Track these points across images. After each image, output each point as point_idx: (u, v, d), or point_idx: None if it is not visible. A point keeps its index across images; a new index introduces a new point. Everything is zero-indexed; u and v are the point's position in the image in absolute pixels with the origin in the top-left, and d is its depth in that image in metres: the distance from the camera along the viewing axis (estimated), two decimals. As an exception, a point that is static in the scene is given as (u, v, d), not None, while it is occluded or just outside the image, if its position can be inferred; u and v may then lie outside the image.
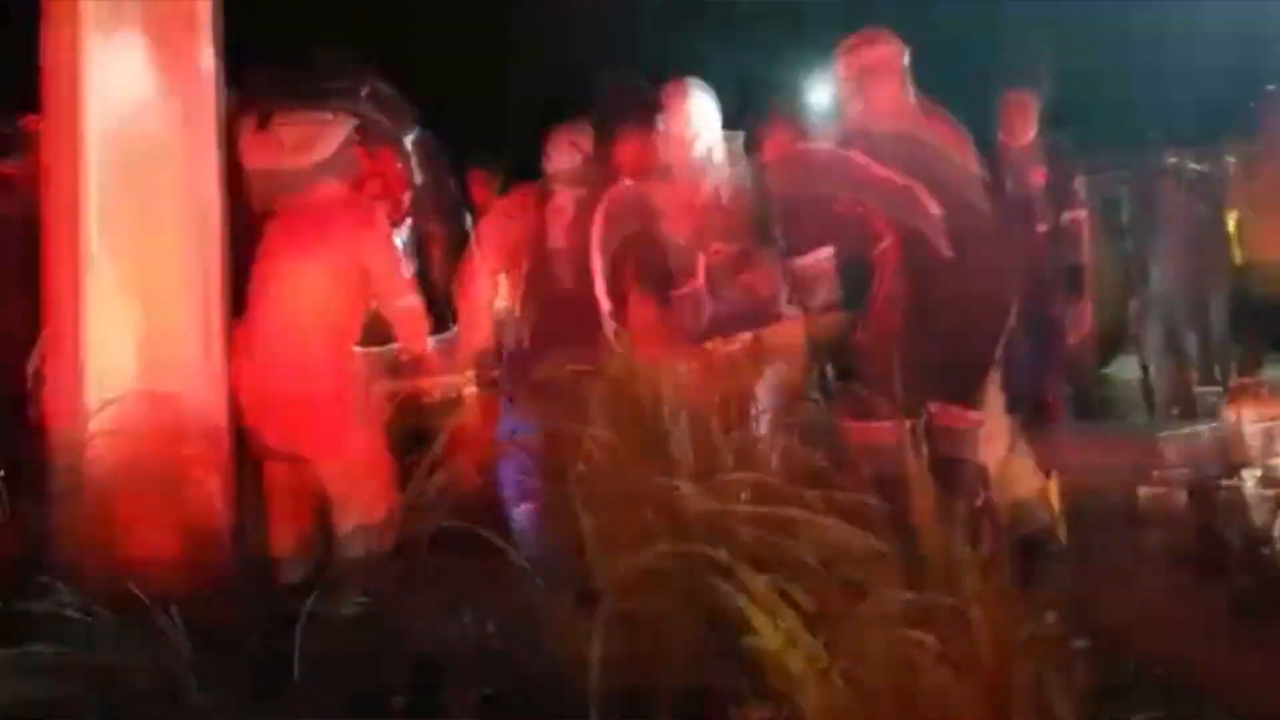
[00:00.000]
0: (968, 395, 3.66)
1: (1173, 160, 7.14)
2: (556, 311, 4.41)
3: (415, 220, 5.01)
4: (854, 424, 3.45)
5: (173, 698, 3.02)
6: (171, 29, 4.37)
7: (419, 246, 5.33)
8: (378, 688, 2.93)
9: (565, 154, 5.01)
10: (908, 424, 3.22)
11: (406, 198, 4.78)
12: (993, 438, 4.33)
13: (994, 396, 4.39)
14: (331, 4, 8.70)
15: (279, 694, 2.96)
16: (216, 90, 4.45)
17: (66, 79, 4.13)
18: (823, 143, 4.07)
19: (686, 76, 5.06)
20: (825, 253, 3.93)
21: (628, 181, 4.53)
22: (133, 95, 4.29)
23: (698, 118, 4.96)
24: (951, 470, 2.89)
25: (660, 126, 4.90)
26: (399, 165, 4.75)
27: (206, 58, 4.42)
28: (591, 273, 4.40)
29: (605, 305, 4.28)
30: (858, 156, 3.90)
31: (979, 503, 3.41)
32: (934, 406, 3.43)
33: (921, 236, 3.81)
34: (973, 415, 3.77)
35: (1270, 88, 6.76)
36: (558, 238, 4.53)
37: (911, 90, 4.44)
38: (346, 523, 4.03)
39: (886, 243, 3.87)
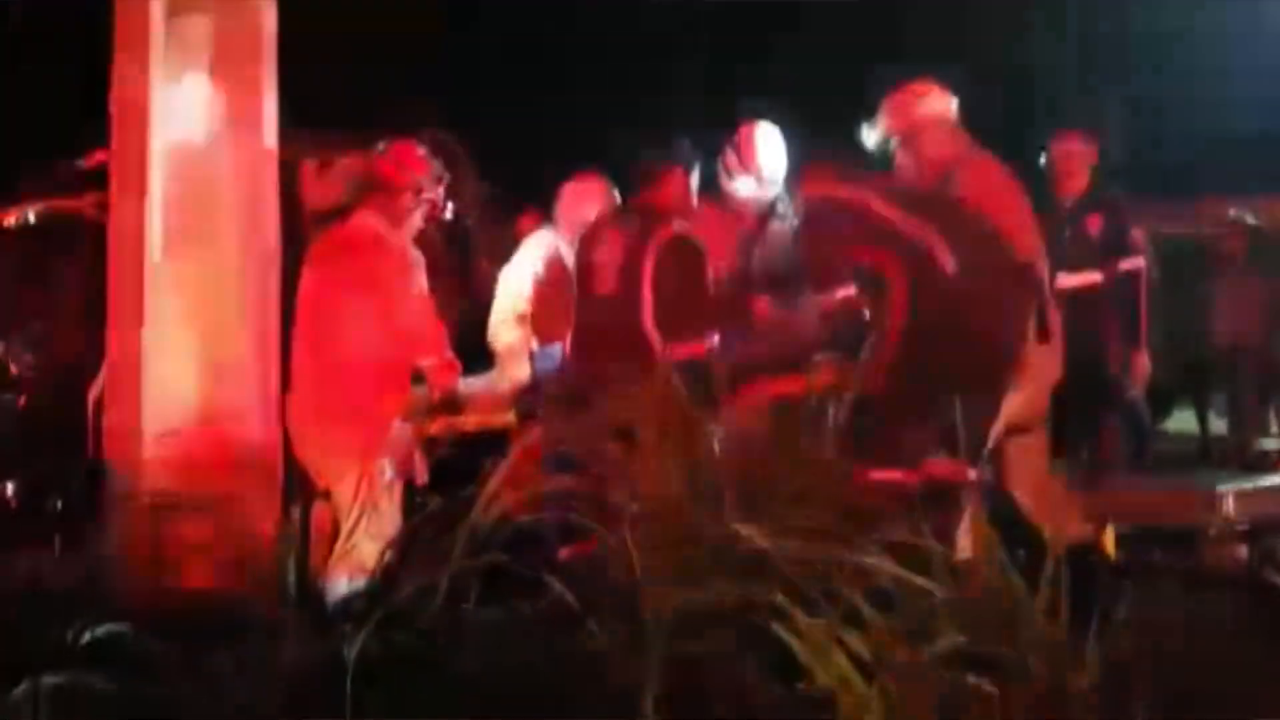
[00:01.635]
0: (966, 449, 3.56)
1: (1234, 212, 7.07)
2: (607, 353, 4.41)
3: (468, 261, 5.06)
4: (866, 471, 3.45)
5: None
6: (236, 72, 4.46)
7: (470, 285, 5.40)
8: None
9: (581, 206, 5.09)
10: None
11: (440, 194, 4.73)
12: (1044, 488, 4.30)
13: (1038, 446, 4.36)
14: (392, 54, 8.85)
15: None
16: (279, 132, 4.54)
17: (135, 118, 4.23)
18: (852, 187, 4.13)
19: (748, 117, 5.10)
20: (847, 291, 4.01)
21: (676, 222, 4.55)
22: (197, 135, 4.39)
23: (770, 156, 5.01)
24: (943, 522, 2.84)
25: (724, 165, 4.96)
26: (430, 169, 4.71)
27: (270, 101, 4.51)
28: (643, 314, 4.40)
29: (659, 346, 4.28)
30: (879, 204, 3.97)
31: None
32: (930, 459, 3.36)
33: (929, 289, 3.86)
34: (970, 471, 3.67)
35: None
36: (608, 282, 4.52)
37: (961, 138, 4.45)
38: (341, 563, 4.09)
39: (896, 289, 3.92)
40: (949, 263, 3.85)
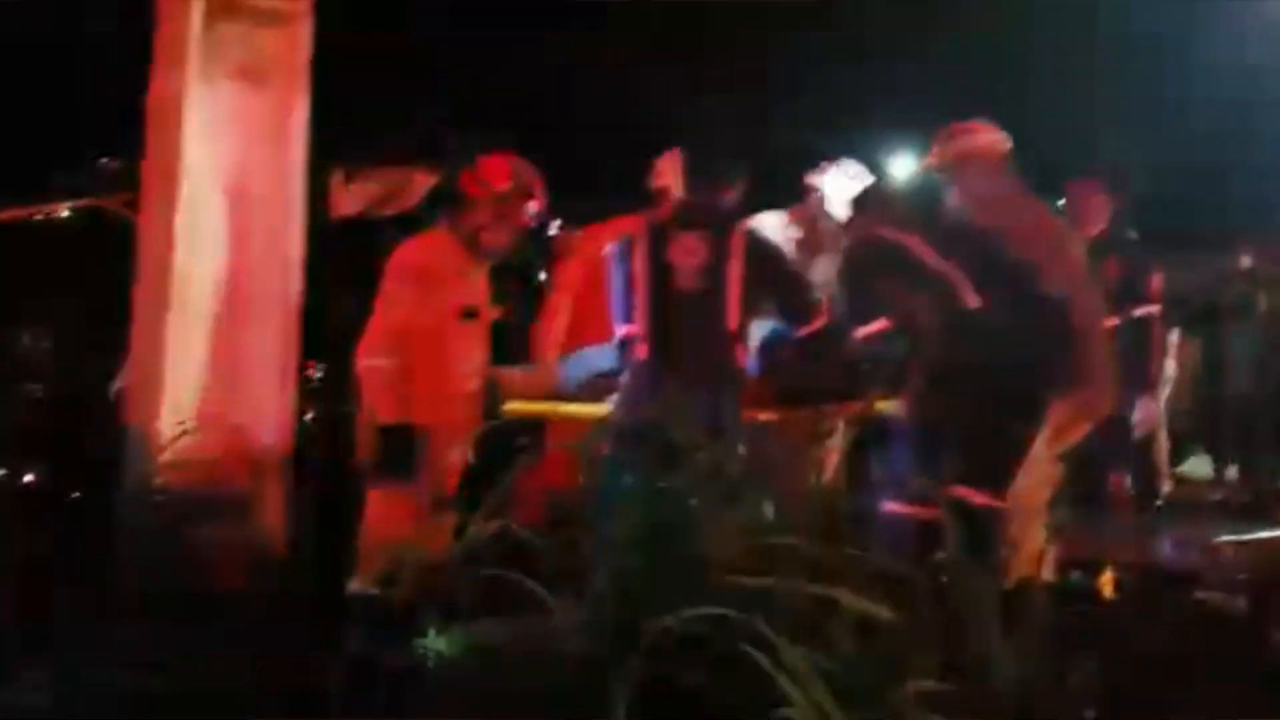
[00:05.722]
0: (990, 483, 3.62)
1: (1250, 260, 7.07)
2: (686, 353, 4.36)
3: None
4: (887, 505, 3.53)
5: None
6: (269, 81, 4.56)
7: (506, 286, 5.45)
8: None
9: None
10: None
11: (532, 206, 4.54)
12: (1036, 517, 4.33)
13: (1045, 482, 4.38)
14: (422, 63, 8.95)
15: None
16: (308, 140, 4.63)
17: (169, 122, 4.33)
18: (896, 229, 4.24)
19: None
20: (879, 325, 4.10)
21: (750, 222, 4.61)
22: (228, 140, 4.48)
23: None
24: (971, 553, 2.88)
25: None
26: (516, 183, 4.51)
27: (301, 109, 4.60)
28: (729, 314, 4.41)
29: (746, 351, 4.36)
30: (918, 246, 4.08)
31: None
32: (958, 489, 3.43)
33: (957, 329, 3.97)
34: (995, 501, 3.74)
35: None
36: (688, 279, 4.48)
37: (1010, 178, 4.47)
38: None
39: (928, 329, 4.06)
40: (973, 299, 3.96)
